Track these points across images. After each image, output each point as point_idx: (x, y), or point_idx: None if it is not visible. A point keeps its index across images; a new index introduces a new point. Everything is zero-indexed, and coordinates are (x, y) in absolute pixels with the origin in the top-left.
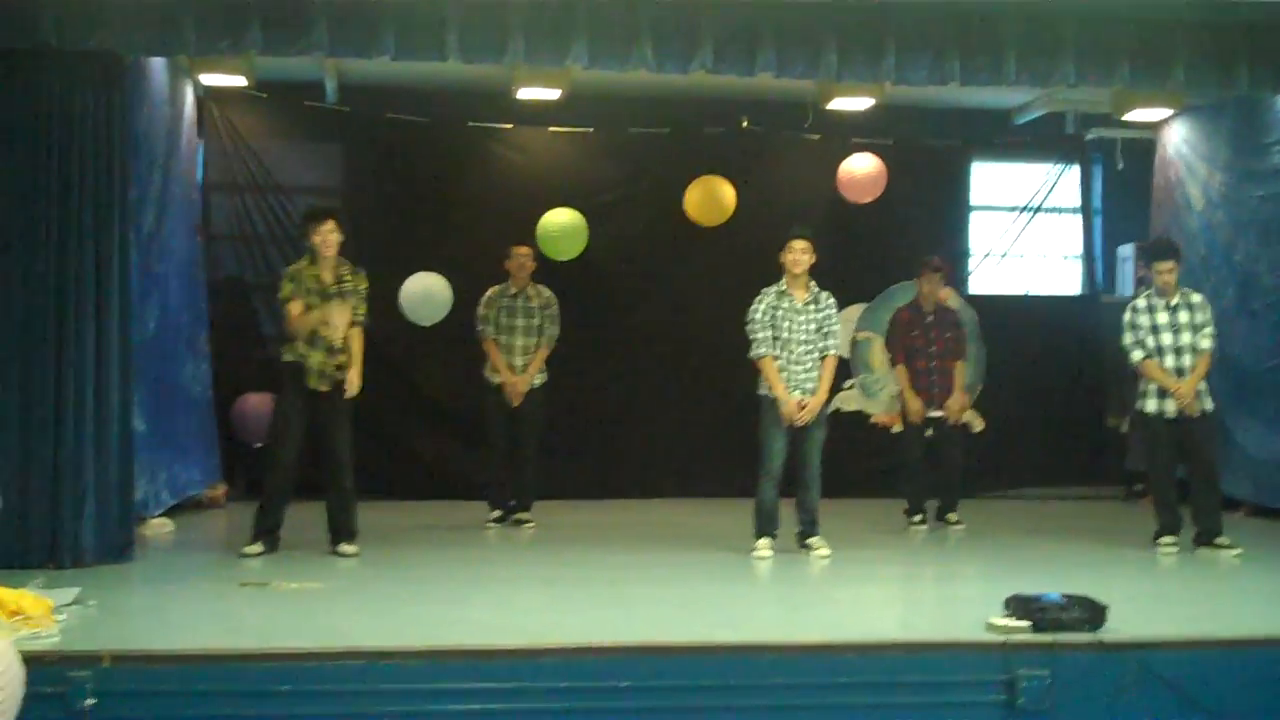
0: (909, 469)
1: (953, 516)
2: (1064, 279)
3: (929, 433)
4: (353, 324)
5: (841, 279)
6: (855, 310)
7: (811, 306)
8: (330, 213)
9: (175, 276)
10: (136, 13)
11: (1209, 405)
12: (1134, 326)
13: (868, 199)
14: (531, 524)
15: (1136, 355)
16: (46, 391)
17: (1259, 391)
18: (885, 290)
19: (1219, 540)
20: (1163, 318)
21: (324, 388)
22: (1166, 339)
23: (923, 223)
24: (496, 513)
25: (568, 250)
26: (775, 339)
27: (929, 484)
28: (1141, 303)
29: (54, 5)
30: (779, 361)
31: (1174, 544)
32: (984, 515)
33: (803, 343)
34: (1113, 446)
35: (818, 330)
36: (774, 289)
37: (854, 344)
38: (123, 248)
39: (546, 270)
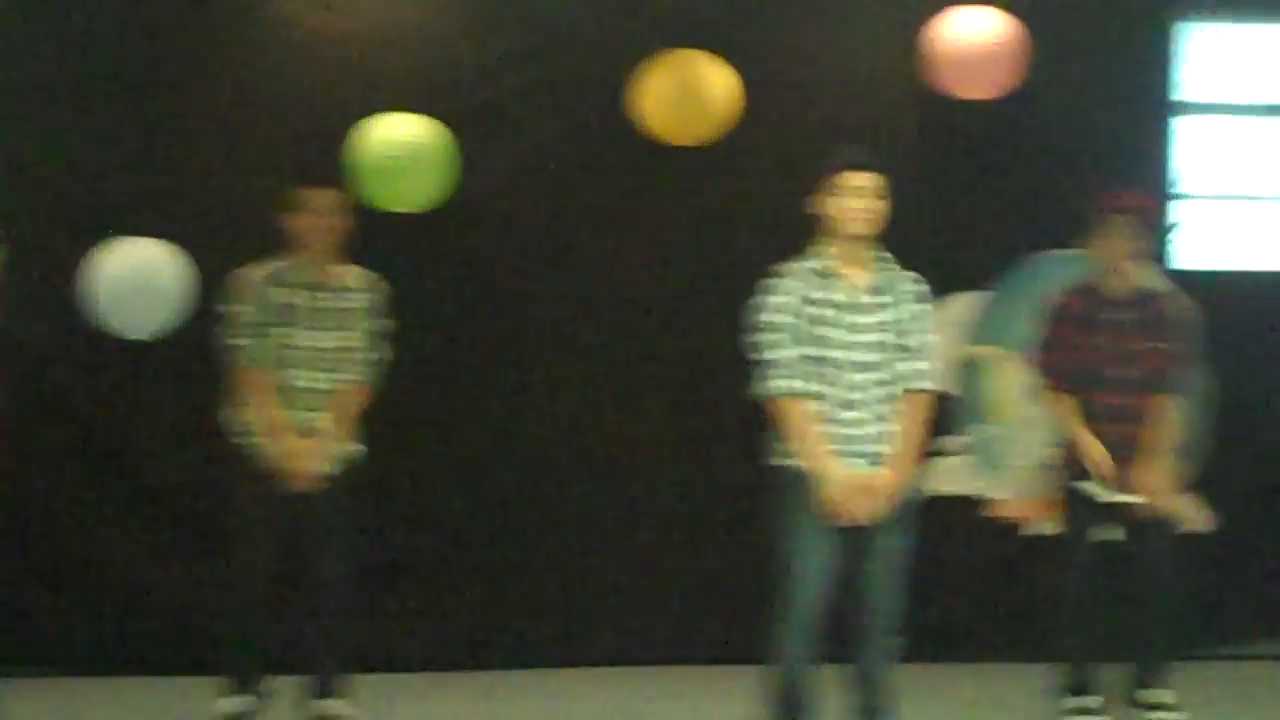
0: (1073, 604)
1: (1161, 695)
2: None
3: (1110, 533)
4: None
5: (938, 249)
6: (961, 306)
7: (880, 299)
8: None
9: None
10: None
11: None
12: None
13: (985, 92)
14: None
15: None
16: None
17: None
18: (1019, 267)
19: None
20: None
21: None
22: None
23: (1090, 138)
24: (242, 700)
25: (414, 193)
26: (810, 360)
27: (1109, 634)
28: None
29: None
30: (819, 405)
31: None
32: (1204, 691)
33: (864, 367)
34: None
35: (892, 344)
36: (805, 265)
37: (961, 368)
38: None
39: (373, 233)
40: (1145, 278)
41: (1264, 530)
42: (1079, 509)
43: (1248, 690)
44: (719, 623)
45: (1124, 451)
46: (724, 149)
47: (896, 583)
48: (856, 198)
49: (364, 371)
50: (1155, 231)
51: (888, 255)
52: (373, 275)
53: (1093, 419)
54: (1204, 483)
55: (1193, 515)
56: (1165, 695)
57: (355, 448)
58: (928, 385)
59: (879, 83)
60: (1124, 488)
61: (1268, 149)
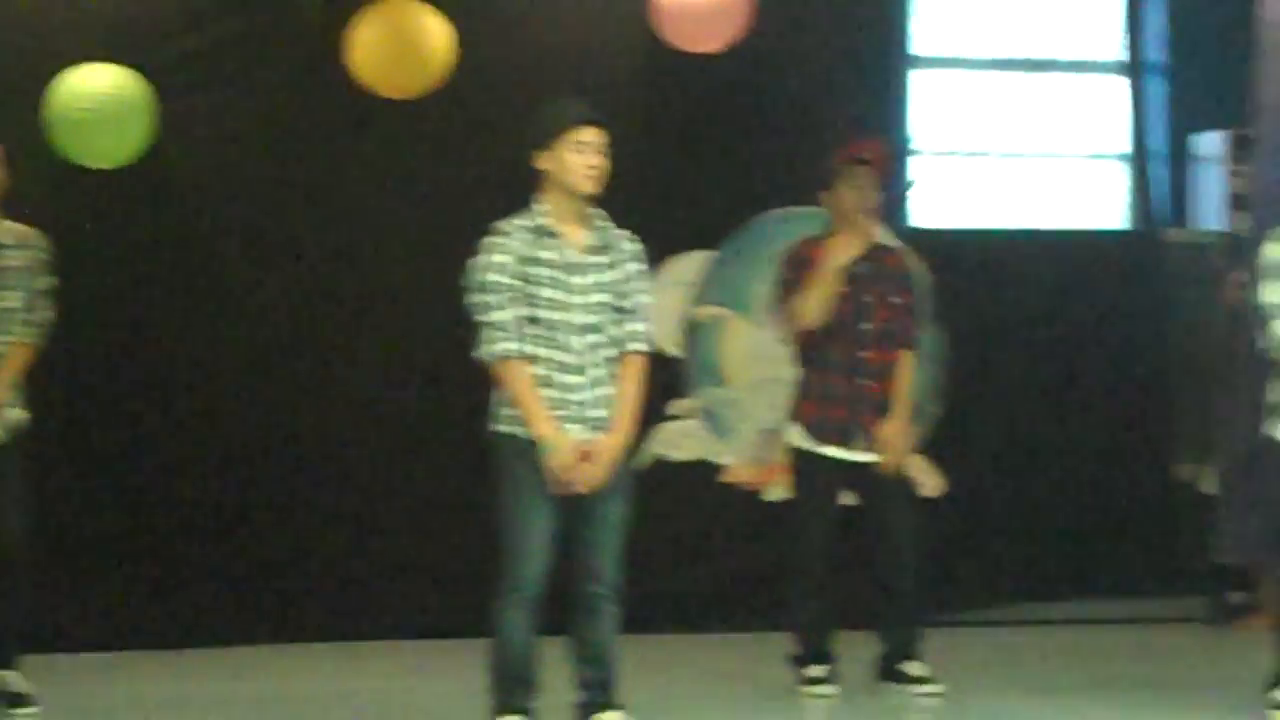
0: (802, 573)
1: (915, 668)
2: (1096, 202)
3: (845, 497)
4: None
5: (665, 207)
6: (689, 266)
7: (599, 259)
8: None
9: None
10: None
11: None
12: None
13: (713, 45)
14: (33, 709)
15: None
16: None
17: None
18: (748, 227)
19: None
20: None
21: None
22: None
23: (822, 93)
24: None
25: (109, 148)
26: (532, 322)
27: (841, 602)
28: None
29: None
30: (539, 368)
31: None
32: (959, 661)
33: (584, 329)
34: (1188, 520)
35: (611, 306)
36: (523, 223)
37: (688, 330)
38: None
39: (53, 186)
40: (879, 232)
41: (1000, 494)
42: (811, 471)
43: (997, 656)
44: (438, 596)
45: (861, 408)
46: (440, 102)
47: (619, 550)
48: (578, 153)
49: (25, 333)
50: (890, 185)
51: (603, 213)
52: (34, 231)
53: (834, 373)
54: (937, 445)
55: (924, 478)
56: (917, 668)
57: (19, 413)
58: (645, 347)
59: (602, 34)
60: (861, 445)
61: (1005, 105)
